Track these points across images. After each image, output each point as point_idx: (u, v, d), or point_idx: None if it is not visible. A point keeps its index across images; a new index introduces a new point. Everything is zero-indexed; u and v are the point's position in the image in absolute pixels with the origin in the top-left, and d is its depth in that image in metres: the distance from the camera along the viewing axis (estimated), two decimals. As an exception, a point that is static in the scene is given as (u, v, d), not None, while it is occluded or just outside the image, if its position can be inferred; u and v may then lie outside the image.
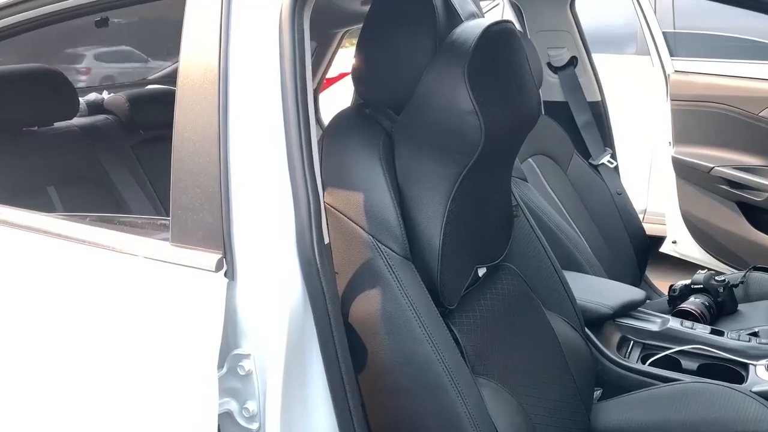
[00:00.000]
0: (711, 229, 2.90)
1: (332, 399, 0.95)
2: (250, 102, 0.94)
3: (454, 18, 1.13)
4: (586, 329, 1.61)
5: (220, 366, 0.95)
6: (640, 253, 2.32)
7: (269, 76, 0.93)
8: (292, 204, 0.92)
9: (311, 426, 0.96)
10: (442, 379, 1.04)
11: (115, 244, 1.02)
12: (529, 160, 2.14)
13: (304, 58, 0.95)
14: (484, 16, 1.23)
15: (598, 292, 1.69)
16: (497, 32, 1.11)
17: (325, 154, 1.11)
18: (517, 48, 1.18)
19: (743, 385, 1.49)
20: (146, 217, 1.06)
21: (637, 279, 2.35)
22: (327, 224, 1.09)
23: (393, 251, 1.07)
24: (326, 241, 0.97)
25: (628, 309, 1.69)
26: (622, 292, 1.71)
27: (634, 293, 1.71)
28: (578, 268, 1.82)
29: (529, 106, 1.23)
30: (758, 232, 2.64)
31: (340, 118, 1.18)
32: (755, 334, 1.86)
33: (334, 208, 1.09)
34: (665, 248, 3.21)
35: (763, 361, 1.54)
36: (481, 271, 1.35)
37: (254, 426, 0.94)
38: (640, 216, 3.89)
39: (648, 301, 2.33)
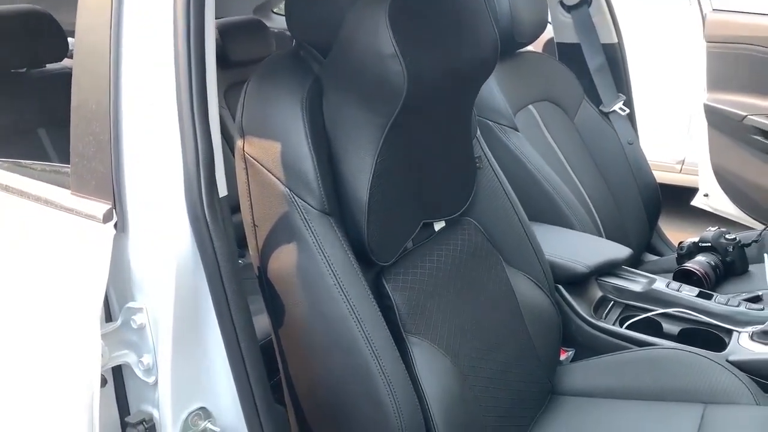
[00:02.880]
0: (743, 183, 2.71)
1: (228, 356, 0.92)
2: (141, 42, 0.89)
3: (386, -48, 1.04)
4: (561, 287, 1.54)
5: (115, 318, 0.93)
6: (650, 206, 2.19)
7: (161, 14, 0.88)
8: (180, 155, 0.87)
9: (207, 382, 0.94)
10: (356, 338, 1.00)
11: (24, 189, 1.01)
12: (530, 107, 2.01)
13: (202, -5, 0.88)
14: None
15: (578, 249, 1.59)
16: (431, -32, 1.02)
17: (247, 99, 1.06)
18: (461, -15, 1.08)
19: (721, 353, 1.39)
20: (58, 165, 1.04)
21: (647, 233, 2.22)
22: (247, 175, 1.05)
23: (309, 205, 1.02)
24: (223, 193, 0.92)
25: (608, 268, 1.60)
26: (603, 250, 1.62)
27: (616, 251, 1.61)
28: (565, 222, 1.72)
29: (477, 51, 1.13)
30: (790, 187, 2.46)
31: (270, 61, 1.11)
32: (758, 298, 1.74)
33: (253, 158, 1.04)
34: (697, 201, 3.04)
35: (749, 329, 1.44)
36: (438, 225, 1.29)
37: (151, 379, 0.93)
38: (678, 166, 3.74)
39: (658, 258, 2.23)
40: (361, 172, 1.05)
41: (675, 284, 1.58)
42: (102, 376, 0.92)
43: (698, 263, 1.86)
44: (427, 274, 1.19)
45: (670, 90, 3.62)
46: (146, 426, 0.93)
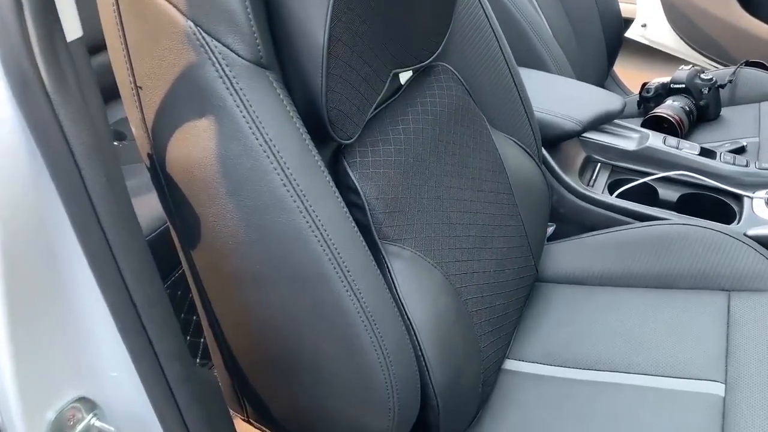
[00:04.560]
0: (692, 11, 2.44)
1: (112, 315, 0.54)
2: None
3: None
4: (543, 150, 1.23)
5: None
6: (611, 39, 1.88)
7: None
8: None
9: (84, 359, 0.57)
10: (321, 265, 0.64)
11: None
12: None
13: None
14: None
15: (564, 99, 1.26)
16: None
17: None
18: None
19: (735, 225, 1.16)
20: None
21: (605, 71, 1.93)
22: (115, -2, 0.61)
23: (234, 52, 0.60)
24: (75, 35, 0.49)
25: (602, 123, 1.29)
26: (594, 100, 1.30)
27: (610, 102, 1.29)
28: (540, 65, 1.37)
29: None
30: (750, 17, 2.20)
31: None
32: (742, 149, 1.52)
33: (123, -33, 0.59)
34: (632, 33, 2.77)
35: (762, 193, 1.20)
36: (405, 76, 0.91)
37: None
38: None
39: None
40: (314, -5, 0.64)
41: (672, 140, 1.30)
42: None
43: (670, 108, 1.60)
44: (402, 150, 0.82)
45: None
46: (-15, 435, 0.55)
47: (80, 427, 0.57)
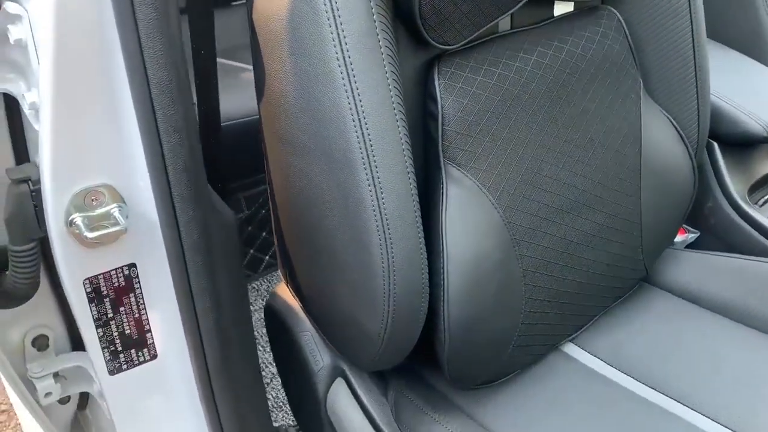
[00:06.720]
0: None
1: (138, 119, 0.59)
2: None
3: None
4: (714, 144, 1.07)
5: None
6: None
7: None
8: None
9: (117, 150, 0.63)
10: (351, 150, 0.64)
11: None
12: None
13: None
14: None
15: (763, 97, 1.07)
16: None
17: None
18: None
19: None
20: None
21: None
22: None
23: None
24: None
25: (798, 137, 1.08)
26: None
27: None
28: (759, 53, 1.17)
29: None
30: None
31: None
32: None
33: None
34: None
35: None
36: (562, 8, 0.84)
37: (38, 127, 0.62)
38: None
39: None
40: None
41: None
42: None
43: None
44: (510, 79, 0.77)
45: None
46: (32, 186, 0.65)
47: (101, 209, 0.64)
